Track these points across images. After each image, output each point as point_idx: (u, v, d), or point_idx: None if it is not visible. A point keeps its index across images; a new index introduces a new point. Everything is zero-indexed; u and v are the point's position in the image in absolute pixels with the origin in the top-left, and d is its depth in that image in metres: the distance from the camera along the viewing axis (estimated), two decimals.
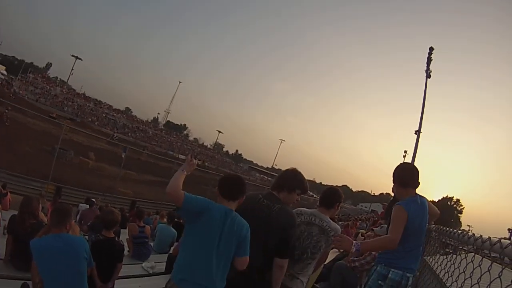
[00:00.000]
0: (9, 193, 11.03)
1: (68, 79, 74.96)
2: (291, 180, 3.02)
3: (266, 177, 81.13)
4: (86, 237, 5.71)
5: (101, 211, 7.37)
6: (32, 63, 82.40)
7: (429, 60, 25.40)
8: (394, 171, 3.01)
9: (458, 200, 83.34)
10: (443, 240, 2.96)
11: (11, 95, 36.77)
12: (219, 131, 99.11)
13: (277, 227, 2.76)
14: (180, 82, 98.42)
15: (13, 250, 4.36)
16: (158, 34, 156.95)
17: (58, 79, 79.15)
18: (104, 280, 3.83)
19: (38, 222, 4.63)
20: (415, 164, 24.58)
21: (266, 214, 2.79)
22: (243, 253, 2.49)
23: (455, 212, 78.14)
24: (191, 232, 2.49)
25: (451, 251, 2.78)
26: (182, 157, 54.26)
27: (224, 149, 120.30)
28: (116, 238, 4.29)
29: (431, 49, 25.57)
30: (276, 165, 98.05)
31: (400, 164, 3.13)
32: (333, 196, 3.26)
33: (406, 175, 2.96)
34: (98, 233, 4.40)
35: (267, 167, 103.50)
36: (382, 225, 5.73)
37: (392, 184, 3.02)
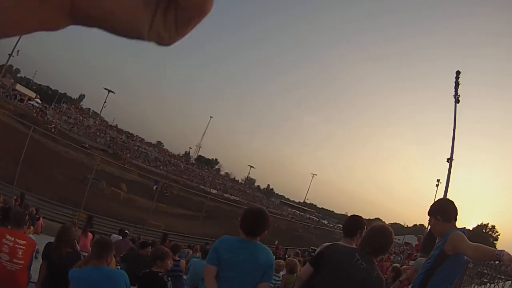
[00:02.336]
0: (41, 218, 11.06)
1: (101, 111, 76.87)
2: (386, 247, 2.91)
3: (297, 211, 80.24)
4: (119, 266, 5.67)
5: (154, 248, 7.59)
6: (65, 93, 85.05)
7: (457, 84, 24.56)
8: (436, 206, 3.00)
9: (493, 227, 78.43)
10: (479, 269, 2.97)
11: (52, 129, 37.55)
12: (251, 166, 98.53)
13: None
14: (211, 117, 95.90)
15: (46, 276, 4.34)
16: (186, 69, 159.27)
17: (91, 110, 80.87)
18: None
19: (75, 251, 4.62)
20: (449, 192, 23.71)
21: (364, 278, 2.70)
22: (266, 279, 2.65)
23: (491, 239, 73.67)
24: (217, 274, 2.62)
25: (486, 280, 2.88)
26: (214, 191, 54.43)
27: (256, 184, 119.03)
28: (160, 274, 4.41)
29: (458, 73, 24.70)
30: (308, 199, 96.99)
31: (441, 199, 3.23)
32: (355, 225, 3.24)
33: (450, 209, 2.93)
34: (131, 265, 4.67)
35: (299, 202, 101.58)
36: (420, 258, 5.38)
37: (431, 218, 2.99)
